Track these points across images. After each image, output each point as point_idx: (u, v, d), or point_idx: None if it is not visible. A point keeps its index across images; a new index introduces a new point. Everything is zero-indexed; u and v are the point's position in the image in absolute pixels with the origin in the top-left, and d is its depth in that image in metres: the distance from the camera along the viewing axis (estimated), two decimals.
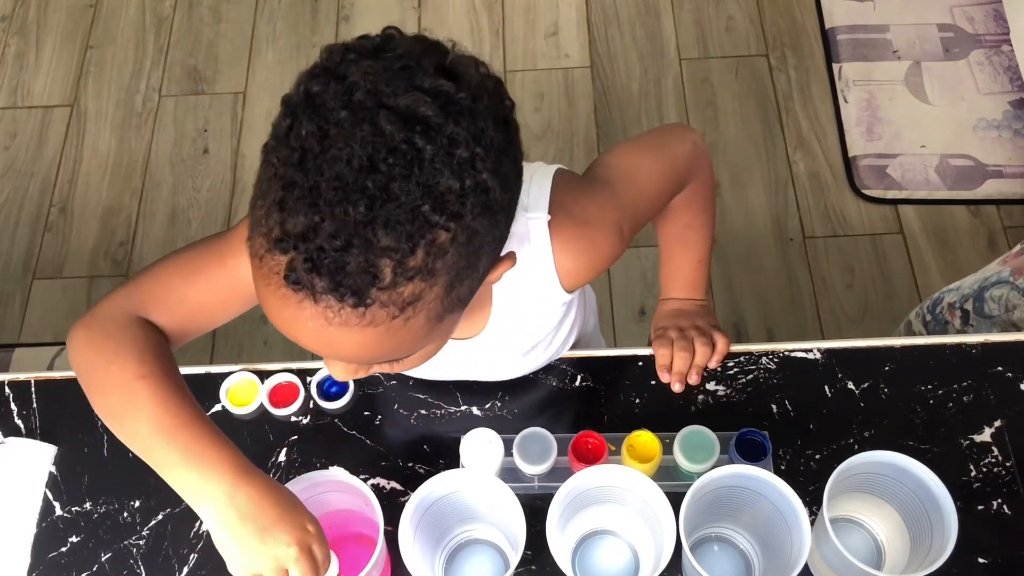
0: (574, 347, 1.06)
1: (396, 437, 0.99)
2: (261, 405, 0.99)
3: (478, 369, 0.99)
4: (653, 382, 1.01)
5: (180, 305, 0.85)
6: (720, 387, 1.01)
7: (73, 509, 0.95)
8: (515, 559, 0.80)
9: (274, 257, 0.63)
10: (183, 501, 0.94)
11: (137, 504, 0.95)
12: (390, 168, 0.61)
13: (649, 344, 1.04)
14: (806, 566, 0.88)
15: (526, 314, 0.90)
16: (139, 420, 0.78)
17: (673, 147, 0.97)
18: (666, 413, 0.99)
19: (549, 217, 0.83)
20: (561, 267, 0.85)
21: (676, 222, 1.03)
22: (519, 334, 0.93)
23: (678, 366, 0.99)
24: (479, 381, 1.01)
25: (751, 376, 1.01)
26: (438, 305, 0.66)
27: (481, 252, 0.68)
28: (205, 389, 1.01)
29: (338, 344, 0.66)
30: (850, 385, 1.01)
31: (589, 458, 0.92)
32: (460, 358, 0.94)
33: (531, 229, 0.82)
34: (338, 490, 0.85)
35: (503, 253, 0.73)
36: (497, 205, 0.66)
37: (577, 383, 1.02)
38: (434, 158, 0.62)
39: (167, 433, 0.77)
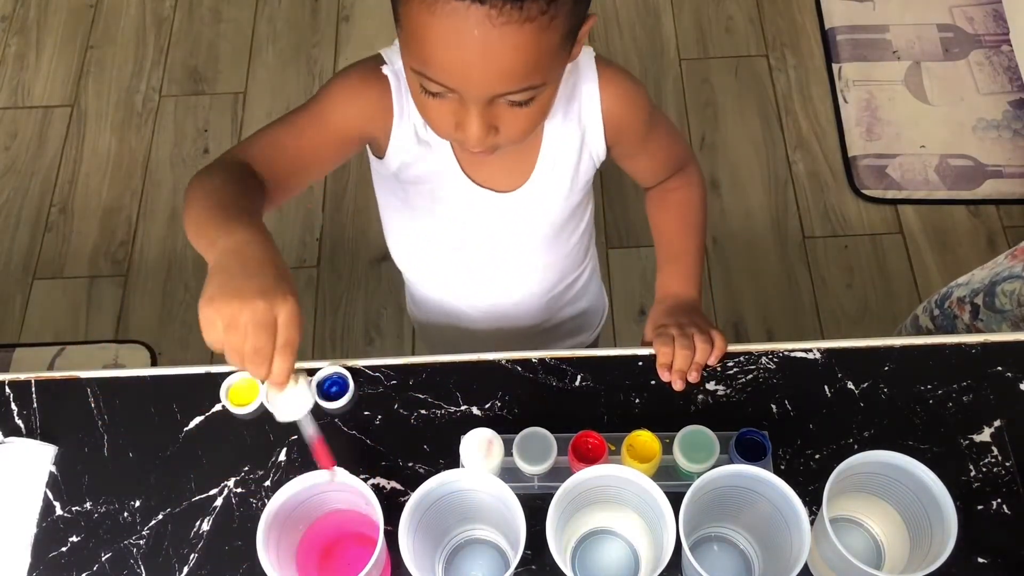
0: (571, 303, 1.13)
1: (396, 437, 0.99)
2: (261, 405, 0.99)
3: (510, 235, 1.08)
4: (653, 382, 1.01)
5: (277, 154, 0.93)
6: (720, 387, 1.01)
7: (73, 509, 0.95)
8: (515, 559, 0.80)
9: None
10: (183, 501, 0.95)
11: (137, 504, 0.95)
12: None
13: (646, 343, 1.04)
14: (806, 566, 0.88)
15: (566, 170, 1.02)
16: (196, 210, 0.83)
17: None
18: (666, 413, 0.99)
19: (595, 54, 0.98)
20: (606, 106, 0.98)
21: (676, 219, 1.13)
22: (556, 196, 1.04)
23: (679, 364, 0.99)
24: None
25: (751, 376, 1.02)
26: (569, 14, 0.77)
27: None
28: (205, 389, 1.01)
29: (498, 50, 0.75)
30: (850, 385, 1.01)
31: (589, 458, 0.92)
32: (496, 214, 1.03)
33: (581, 65, 0.96)
34: (338, 490, 0.85)
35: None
36: None
37: (577, 383, 1.02)
38: None
39: (214, 208, 0.82)
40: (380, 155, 1.01)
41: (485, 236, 1.08)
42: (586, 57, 0.98)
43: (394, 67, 0.95)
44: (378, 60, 0.96)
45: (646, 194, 1.17)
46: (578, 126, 1.00)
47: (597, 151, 1.03)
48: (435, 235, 1.10)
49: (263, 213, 0.88)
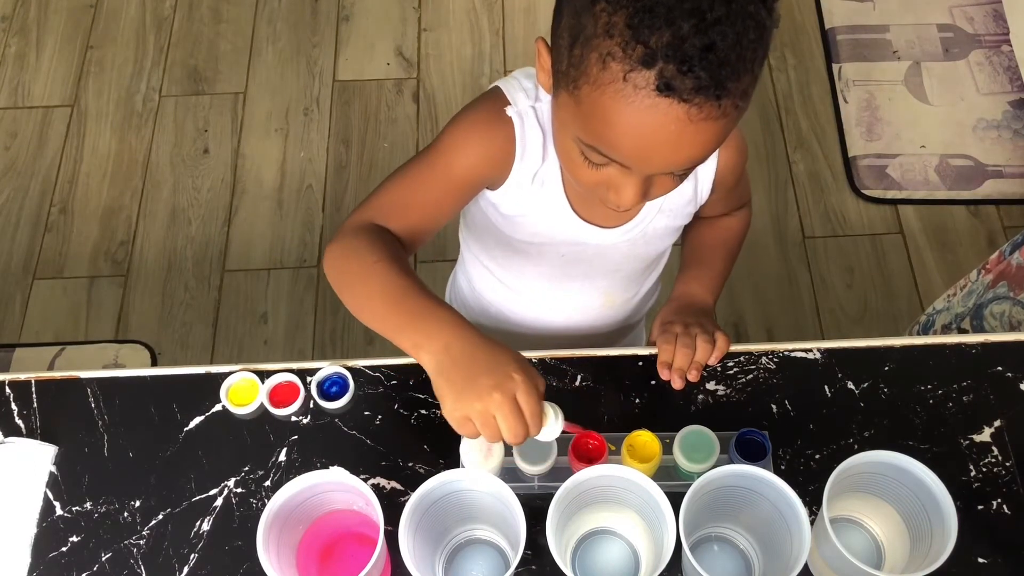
0: (624, 335, 1.15)
1: (396, 437, 0.99)
2: (261, 405, 0.99)
3: (601, 270, 1.09)
4: (653, 382, 1.01)
5: (405, 211, 0.95)
6: (720, 387, 1.01)
7: (73, 509, 0.95)
8: (515, 559, 0.80)
9: (639, 72, 0.71)
10: (183, 501, 0.95)
11: (137, 504, 0.95)
12: None
13: (651, 340, 1.04)
14: (806, 566, 0.88)
15: (672, 212, 1.03)
16: (374, 295, 0.87)
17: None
18: (666, 413, 0.99)
19: None
20: (722, 157, 0.99)
21: (715, 238, 1.15)
22: (655, 235, 1.05)
23: (679, 362, 0.99)
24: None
25: (751, 376, 1.01)
26: (748, 100, 0.78)
27: (764, 63, 0.78)
28: (205, 389, 1.01)
29: (688, 142, 0.75)
30: (850, 385, 1.01)
31: (589, 458, 0.92)
32: (595, 248, 1.03)
33: None
34: (338, 490, 0.85)
35: None
36: (774, 30, 0.77)
37: (577, 383, 1.02)
38: None
39: (396, 302, 0.85)
40: (492, 188, 0.99)
41: (578, 269, 1.08)
42: None
43: (518, 108, 0.93)
44: (500, 99, 0.94)
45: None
46: (694, 175, 1.00)
47: (702, 198, 1.04)
48: (526, 261, 1.08)
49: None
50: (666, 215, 1.03)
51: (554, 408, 0.83)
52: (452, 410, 0.79)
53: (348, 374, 1.00)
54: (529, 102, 0.93)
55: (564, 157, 0.86)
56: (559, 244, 1.03)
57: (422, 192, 0.95)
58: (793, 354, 1.03)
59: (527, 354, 1.02)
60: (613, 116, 0.74)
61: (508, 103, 0.93)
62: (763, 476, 0.83)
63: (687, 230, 1.15)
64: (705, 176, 1.01)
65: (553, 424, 0.83)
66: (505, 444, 0.92)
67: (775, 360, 1.02)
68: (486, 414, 0.78)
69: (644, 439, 0.93)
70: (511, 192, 0.97)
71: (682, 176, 0.83)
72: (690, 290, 1.10)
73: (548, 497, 0.83)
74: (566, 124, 0.81)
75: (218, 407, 1.00)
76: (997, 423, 0.98)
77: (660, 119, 0.73)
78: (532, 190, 0.97)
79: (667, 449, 0.93)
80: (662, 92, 0.71)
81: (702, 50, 0.70)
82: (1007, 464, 0.95)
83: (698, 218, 1.13)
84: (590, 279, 1.10)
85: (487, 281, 1.17)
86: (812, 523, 0.85)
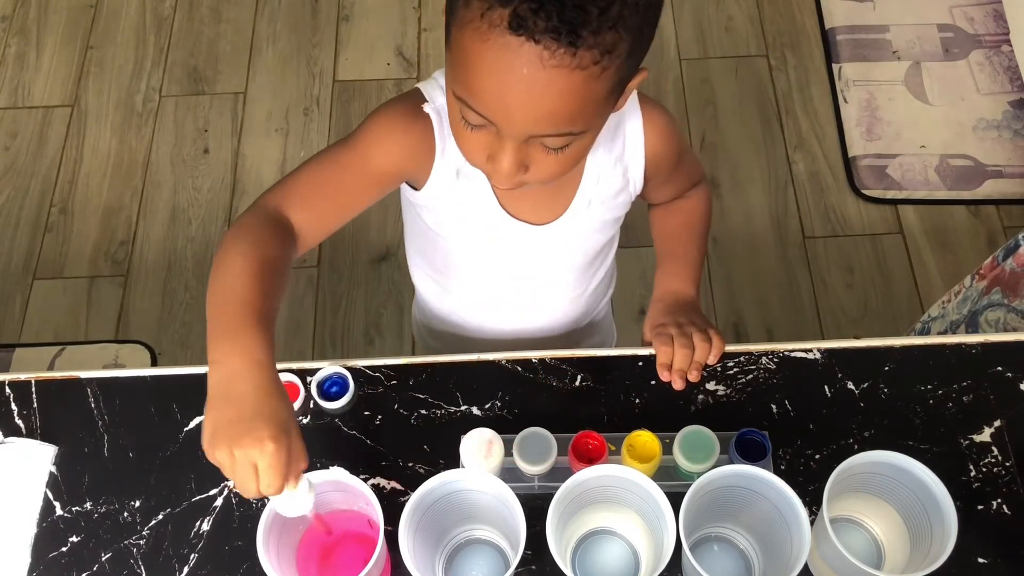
0: (587, 336, 1.11)
1: (396, 437, 0.99)
2: None
3: (540, 268, 1.08)
4: (653, 382, 1.01)
5: (314, 200, 0.93)
6: (720, 387, 1.01)
7: (73, 509, 0.95)
8: (515, 559, 0.80)
9: (495, 10, 0.72)
10: (183, 501, 0.95)
11: (137, 504, 0.95)
12: None
13: (645, 343, 1.04)
14: (806, 566, 0.88)
15: (603, 205, 1.02)
16: (216, 290, 0.85)
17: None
18: (666, 413, 0.99)
19: (636, 91, 0.94)
20: (649, 144, 0.98)
21: (680, 223, 1.13)
22: (590, 230, 1.04)
23: (679, 363, 0.99)
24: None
25: (751, 376, 1.01)
26: (621, 67, 0.77)
27: (645, 32, 0.77)
28: (205, 389, 1.00)
29: (544, 91, 0.74)
30: (850, 385, 1.01)
31: (589, 458, 0.92)
32: (530, 246, 1.03)
33: (627, 101, 0.91)
34: (338, 490, 0.85)
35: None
36: (654, 6, 0.77)
37: (577, 383, 1.02)
38: None
39: (224, 307, 0.83)
40: (416, 188, 0.99)
41: (516, 268, 1.08)
42: (631, 98, 0.96)
43: (435, 104, 0.93)
44: (418, 97, 0.94)
45: (652, 207, 1.17)
46: (620, 163, 1.00)
47: (636, 187, 1.03)
48: (464, 264, 1.08)
49: (285, 286, 0.88)
50: (598, 207, 1.02)
51: (310, 484, 0.80)
52: (206, 444, 0.78)
53: (348, 374, 1.00)
54: (445, 99, 0.92)
55: (453, 125, 0.86)
56: (490, 242, 1.03)
57: (334, 182, 0.94)
58: (793, 354, 1.03)
59: (524, 354, 1.03)
60: (472, 55, 0.75)
61: (426, 101, 0.94)
62: (763, 476, 0.83)
63: (652, 222, 1.16)
64: (635, 163, 1.00)
65: (299, 499, 0.80)
66: (505, 444, 0.93)
67: (775, 360, 1.02)
68: (226, 464, 0.77)
69: (644, 439, 0.93)
70: (435, 190, 0.98)
71: (560, 152, 0.82)
72: (672, 287, 1.09)
73: (548, 497, 0.83)
74: (448, 81, 0.82)
75: None
76: (997, 423, 0.98)
77: (512, 59, 0.73)
78: (458, 187, 0.97)
79: (667, 449, 0.93)
80: (514, 30, 0.72)
81: None
82: (1007, 464, 0.95)
83: (655, 205, 1.14)
84: (531, 279, 1.10)
85: (432, 290, 1.17)
86: (812, 523, 0.85)
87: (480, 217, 1.00)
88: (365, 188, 0.96)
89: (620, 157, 0.99)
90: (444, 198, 0.99)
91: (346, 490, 0.85)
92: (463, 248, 1.05)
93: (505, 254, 1.05)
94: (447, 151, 0.94)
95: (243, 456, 0.76)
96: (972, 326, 1.25)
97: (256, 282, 0.84)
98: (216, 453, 0.77)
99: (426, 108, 0.93)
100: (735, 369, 1.02)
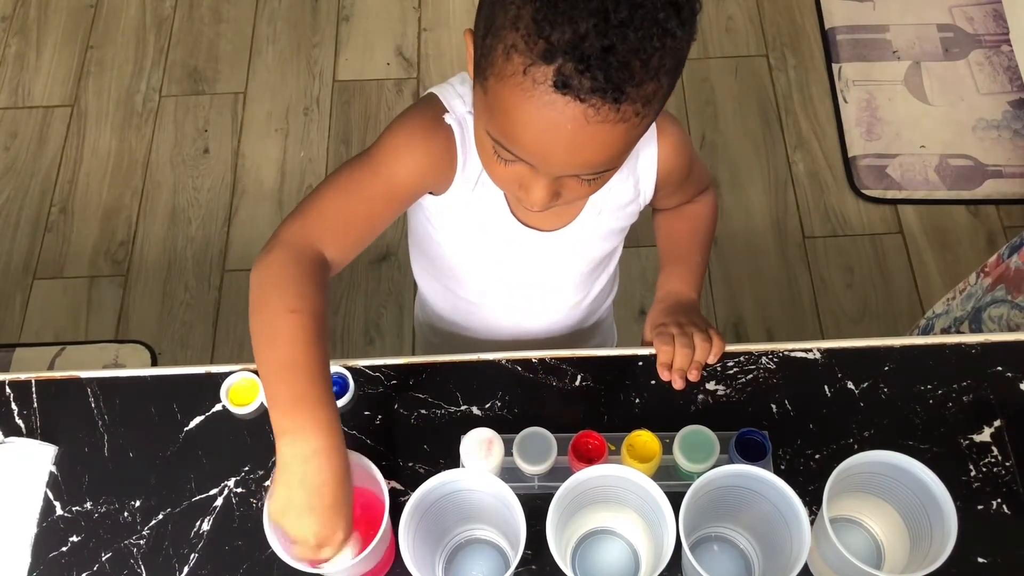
0: (588, 337, 1.11)
1: (396, 437, 0.99)
2: (261, 405, 0.99)
3: (546, 273, 1.08)
4: (653, 382, 1.01)
5: (347, 226, 0.92)
6: (720, 387, 1.01)
7: (73, 509, 0.95)
8: (515, 559, 0.80)
9: (539, 67, 0.71)
10: (183, 501, 0.95)
11: (137, 504, 0.95)
12: None
13: (645, 343, 1.04)
14: (806, 566, 0.88)
15: (613, 214, 1.02)
16: (277, 346, 0.83)
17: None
18: (666, 413, 0.99)
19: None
20: (662, 157, 0.99)
21: (686, 227, 1.14)
22: (597, 237, 1.04)
23: (679, 363, 0.99)
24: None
25: (751, 376, 1.01)
26: (656, 109, 0.77)
27: (679, 69, 0.77)
28: (205, 389, 1.01)
29: (587, 144, 0.75)
30: (850, 385, 1.01)
31: (589, 458, 0.92)
32: (538, 252, 1.03)
33: None
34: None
35: None
36: (689, 42, 0.76)
37: (577, 383, 1.02)
38: None
39: (289, 371, 0.82)
40: (435, 194, 0.98)
41: (522, 272, 1.08)
42: None
43: (456, 114, 0.92)
44: (437, 107, 0.93)
45: (657, 211, 1.17)
46: (633, 175, 1.00)
47: (645, 198, 1.03)
48: (470, 267, 1.08)
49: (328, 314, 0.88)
50: (607, 216, 1.02)
51: (352, 551, 0.83)
52: (272, 512, 0.81)
53: (348, 374, 1.00)
54: (465, 108, 0.92)
55: (481, 152, 0.86)
56: (497, 247, 1.03)
57: (364, 205, 0.92)
58: (793, 354, 1.03)
59: (524, 354, 1.03)
60: (513, 110, 0.75)
61: (445, 110, 0.92)
62: (763, 476, 0.83)
63: (657, 224, 1.16)
64: (647, 176, 1.01)
65: (341, 561, 0.83)
66: (505, 444, 0.93)
67: (775, 360, 1.02)
68: (291, 534, 0.80)
69: (644, 439, 0.93)
70: (452, 200, 0.97)
71: (593, 182, 0.82)
72: (674, 288, 1.10)
73: (548, 497, 0.83)
74: (480, 117, 0.82)
75: (218, 407, 1.00)
76: (997, 423, 0.98)
77: (557, 117, 0.73)
78: (474, 197, 0.96)
79: (667, 449, 0.93)
80: (559, 89, 0.71)
81: (601, 51, 0.70)
82: (1007, 464, 0.95)
83: (662, 210, 1.14)
84: (536, 283, 1.10)
85: (435, 291, 1.17)
86: (812, 523, 0.86)
87: (491, 223, 1.00)
88: (393, 210, 0.95)
89: (633, 170, 1.00)
90: (459, 206, 0.98)
91: (354, 468, 0.85)
92: (469, 252, 1.05)
93: (511, 259, 1.05)
94: (468, 163, 0.94)
95: (311, 538, 0.79)
96: (976, 322, 1.25)
97: (316, 348, 0.83)
98: (284, 524, 0.80)
99: (447, 119, 0.92)
100: (735, 369, 1.02)
